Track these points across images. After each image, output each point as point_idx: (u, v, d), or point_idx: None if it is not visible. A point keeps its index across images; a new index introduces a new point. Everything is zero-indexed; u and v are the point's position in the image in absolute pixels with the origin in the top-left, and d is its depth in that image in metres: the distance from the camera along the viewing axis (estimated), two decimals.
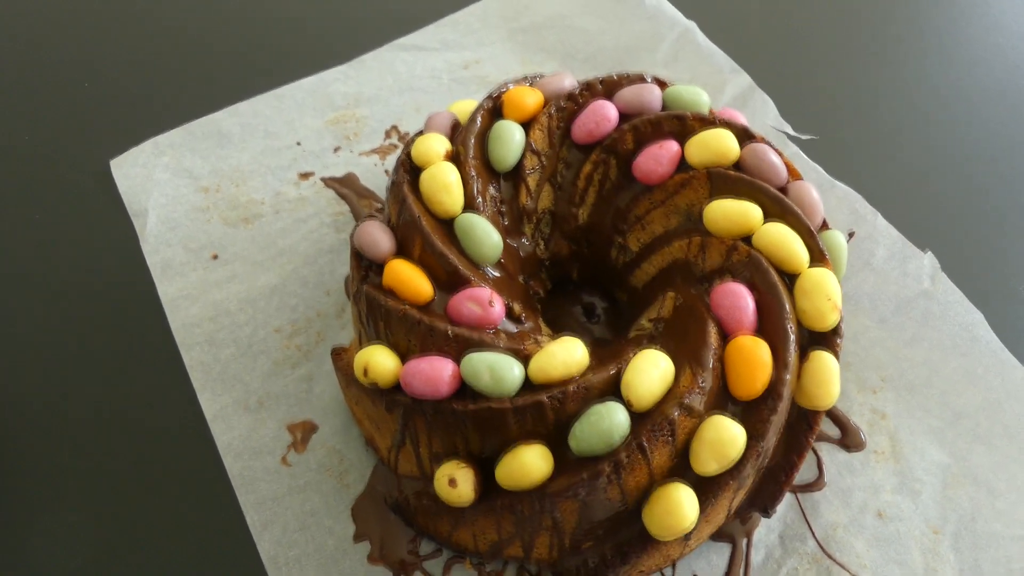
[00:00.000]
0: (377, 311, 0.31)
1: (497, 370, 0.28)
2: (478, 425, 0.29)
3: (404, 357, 0.31)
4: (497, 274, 0.34)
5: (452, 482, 0.29)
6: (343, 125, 0.47)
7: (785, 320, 0.30)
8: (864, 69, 0.47)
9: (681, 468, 0.29)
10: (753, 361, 0.29)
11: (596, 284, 0.39)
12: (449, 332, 0.30)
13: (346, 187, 0.44)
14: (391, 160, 0.45)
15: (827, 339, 0.31)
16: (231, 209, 0.44)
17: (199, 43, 0.51)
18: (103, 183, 0.45)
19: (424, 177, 0.33)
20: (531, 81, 0.37)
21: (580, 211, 0.37)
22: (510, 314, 0.33)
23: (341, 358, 0.35)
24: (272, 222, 0.43)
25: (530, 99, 0.36)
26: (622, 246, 0.37)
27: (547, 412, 0.28)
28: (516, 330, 0.33)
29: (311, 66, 0.49)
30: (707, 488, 0.29)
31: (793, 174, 0.35)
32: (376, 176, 0.45)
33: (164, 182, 0.44)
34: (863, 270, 0.40)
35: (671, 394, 0.29)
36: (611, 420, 0.28)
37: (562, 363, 0.29)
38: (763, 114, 0.44)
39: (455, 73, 0.49)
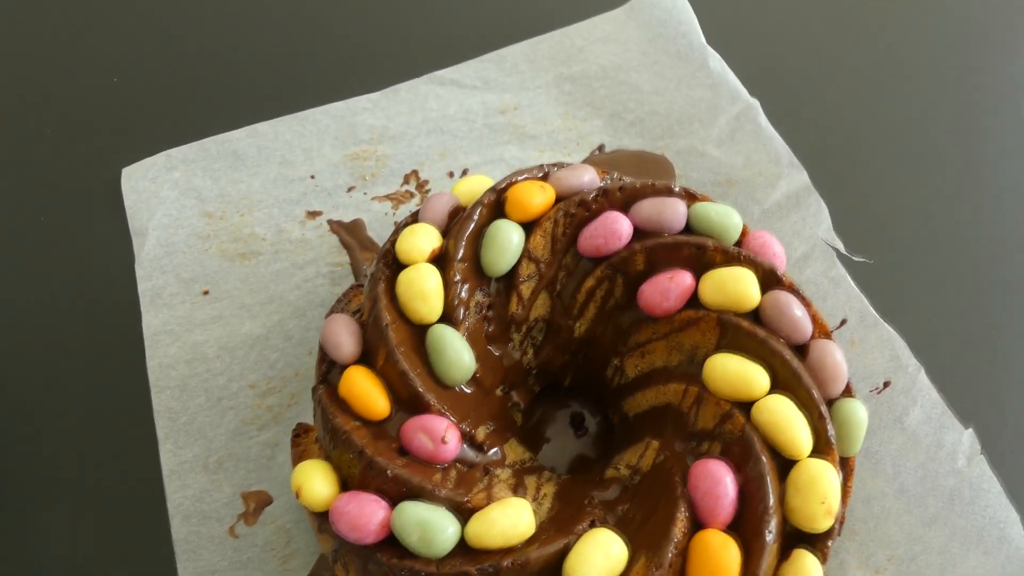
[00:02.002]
0: (326, 423, 0.29)
1: (428, 530, 0.26)
2: None
3: (345, 481, 0.28)
4: (468, 391, 0.31)
5: None
6: (362, 163, 0.44)
7: (766, 522, 0.26)
8: (940, 196, 0.41)
9: None
10: (717, 566, 0.26)
11: (589, 395, 0.36)
12: (389, 472, 0.27)
13: (351, 235, 0.42)
14: (404, 210, 0.43)
15: (816, 539, 0.28)
16: (231, 241, 0.42)
17: (238, 53, 0.49)
18: (114, 189, 0.44)
19: (401, 279, 0.30)
20: (546, 172, 0.34)
21: (578, 324, 0.33)
22: (471, 442, 0.30)
23: (299, 443, 0.33)
24: (269, 262, 0.41)
25: (537, 199, 0.32)
26: (619, 368, 0.33)
27: None
28: (476, 459, 0.30)
29: (344, 88, 0.46)
30: None
31: (820, 328, 0.31)
32: (385, 226, 0.42)
33: (170, 201, 0.43)
34: (892, 427, 0.35)
35: None
36: None
37: (500, 532, 0.26)
38: (815, 222, 0.39)
39: (490, 118, 0.45)
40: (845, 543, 0.34)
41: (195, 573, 0.34)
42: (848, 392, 0.31)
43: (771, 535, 0.26)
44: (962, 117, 0.44)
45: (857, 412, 0.30)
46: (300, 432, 0.34)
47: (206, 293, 0.40)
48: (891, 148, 0.43)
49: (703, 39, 0.45)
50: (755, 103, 0.43)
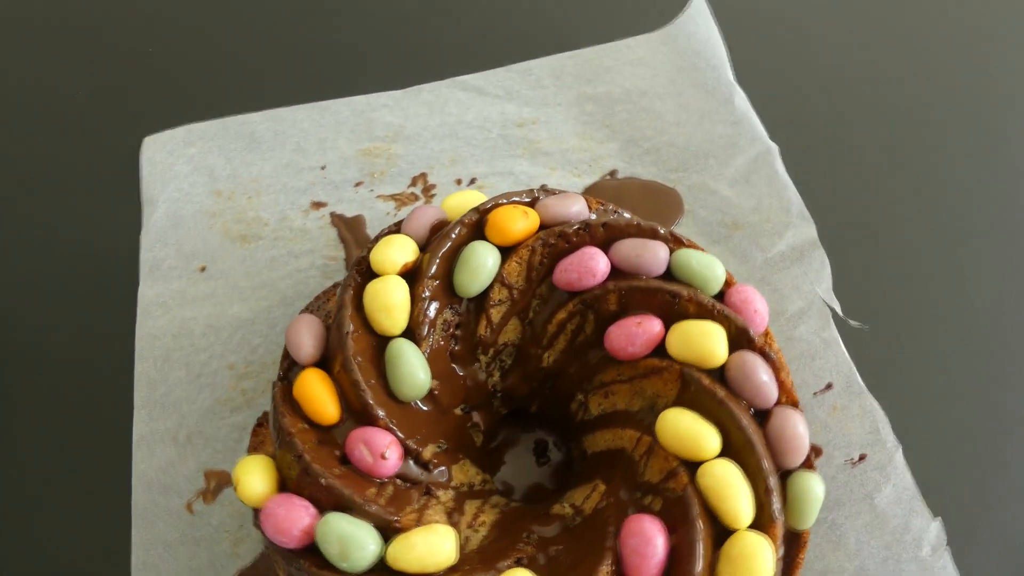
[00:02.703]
0: (275, 421, 0.30)
1: (348, 545, 0.26)
2: None
3: (284, 482, 0.29)
4: (424, 407, 0.31)
5: None
6: (373, 159, 0.44)
7: None
8: (948, 273, 0.39)
9: None
10: None
11: (555, 425, 0.36)
12: (323, 481, 0.27)
13: (350, 231, 0.42)
14: (406, 212, 0.43)
15: None
16: (235, 222, 0.43)
17: (270, 36, 0.49)
18: (135, 156, 0.45)
19: (369, 289, 0.31)
20: (535, 198, 0.33)
21: (547, 354, 0.33)
22: (417, 460, 0.30)
23: (259, 433, 0.34)
24: (267, 248, 0.42)
25: (519, 224, 0.32)
26: (583, 404, 0.33)
27: None
28: (420, 477, 0.30)
29: (367, 83, 0.47)
30: None
31: (787, 396, 0.30)
32: (385, 225, 0.42)
33: (183, 176, 0.44)
34: (861, 502, 0.34)
35: None
36: None
37: (418, 558, 0.26)
38: (816, 278, 0.38)
39: (506, 129, 0.45)
40: None
41: (148, 542, 0.35)
42: (808, 464, 0.30)
43: None
44: (982, 199, 0.42)
45: (813, 487, 0.29)
46: (263, 422, 0.34)
47: (203, 270, 0.41)
48: (905, 216, 0.41)
49: (732, 75, 0.44)
50: (774, 147, 0.41)
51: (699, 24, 0.45)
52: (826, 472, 0.35)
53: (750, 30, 0.47)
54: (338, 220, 0.42)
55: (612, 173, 0.43)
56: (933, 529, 0.33)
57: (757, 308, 0.32)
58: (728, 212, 0.41)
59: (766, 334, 0.34)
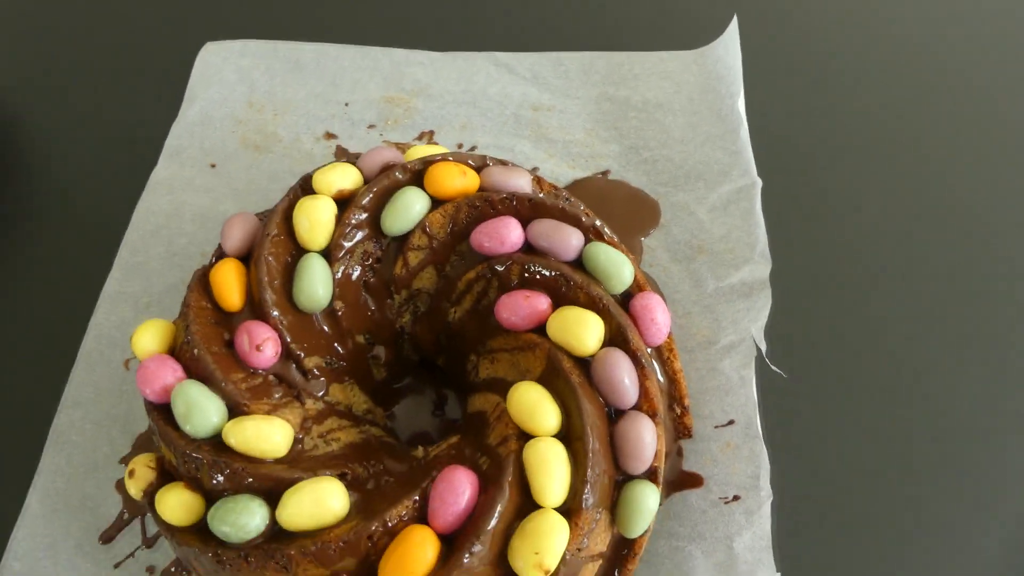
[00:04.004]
0: (186, 294, 0.33)
1: (192, 410, 0.29)
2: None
3: (174, 349, 0.32)
4: (323, 324, 0.33)
5: (131, 473, 0.30)
6: (393, 107, 0.47)
7: (471, 543, 0.27)
8: (876, 347, 0.38)
9: None
10: (406, 555, 0.26)
11: (456, 382, 0.37)
12: (196, 351, 0.30)
13: None
14: None
15: None
16: (255, 133, 0.46)
17: None
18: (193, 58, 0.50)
19: (301, 203, 0.33)
20: (482, 163, 0.35)
21: (454, 310, 0.35)
22: (298, 365, 0.32)
23: (188, 303, 0.36)
24: (273, 162, 0.45)
25: (455, 181, 0.33)
26: (475, 365, 0.34)
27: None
28: (296, 381, 0.32)
29: (414, 39, 0.49)
30: None
31: (648, 404, 0.30)
32: None
33: (228, 83, 0.48)
34: (721, 542, 0.33)
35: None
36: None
37: (244, 440, 0.28)
38: (755, 317, 0.37)
39: (521, 110, 0.46)
40: None
41: (82, 382, 0.39)
42: (652, 475, 0.30)
43: (469, 557, 0.26)
44: (943, 277, 0.40)
45: (646, 498, 0.29)
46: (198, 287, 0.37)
47: (213, 166, 0.45)
48: (859, 280, 0.40)
49: (742, 106, 0.43)
50: (758, 182, 0.41)
51: (729, 50, 0.45)
52: (699, 505, 0.34)
53: (764, 61, 0.48)
54: (341, 153, 0.45)
55: (604, 173, 0.44)
56: None
57: (656, 319, 0.32)
58: (698, 235, 0.41)
59: (670, 349, 0.34)
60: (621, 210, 0.42)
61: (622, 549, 0.31)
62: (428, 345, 0.36)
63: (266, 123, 0.47)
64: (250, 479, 0.28)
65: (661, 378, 0.34)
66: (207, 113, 0.47)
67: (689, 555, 0.34)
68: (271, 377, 0.32)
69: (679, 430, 0.35)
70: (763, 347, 0.36)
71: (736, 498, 0.34)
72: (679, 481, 0.35)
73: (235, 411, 0.30)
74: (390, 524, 0.27)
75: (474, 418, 0.33)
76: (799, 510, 0.34)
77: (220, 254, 0.34)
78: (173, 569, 0.35)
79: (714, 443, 0.35)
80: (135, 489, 0.30)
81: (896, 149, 0.45)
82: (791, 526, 0.34)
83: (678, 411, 0.35)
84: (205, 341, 0.31)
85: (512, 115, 0.46)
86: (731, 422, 0.36)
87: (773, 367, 0.37)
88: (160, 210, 0.44)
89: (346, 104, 0.47)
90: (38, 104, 0.49)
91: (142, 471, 0.30)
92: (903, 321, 0.39)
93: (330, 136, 0.46)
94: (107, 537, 0.36)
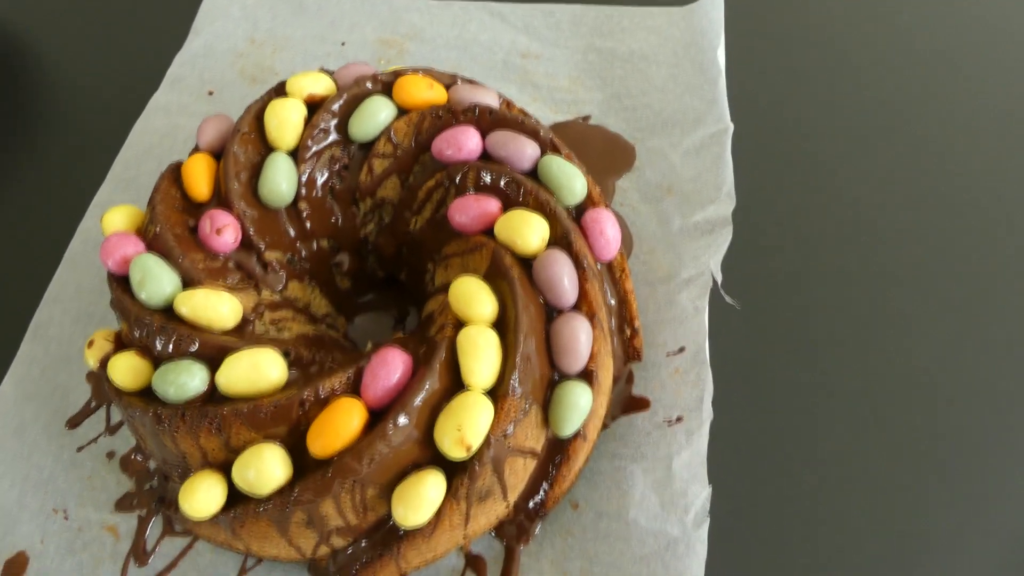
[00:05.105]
0: (157, 181, 0.34)
1: (148, 278, 0.30)
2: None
3: (142, 230, 0.33)
4: (287, 222, 0.35)
5: (90, 343, 0.32)
6: (387, 49, 0.48)
7: (396, 413, 0.27)
8: (830, 278, 0.39)
9: None
10: (331, 421, 0.27)
11: (418, 299, 0.38)
12: (157, 228, 0.32)
13: None
14: None
15: (455, 470, 0.28)
16: (254, 66, 0.48)
17: None
18: None
19: (273, 104, 0.35)
20: (452, 80, 0.36)
21: (414, 219, 0.36)
22: (259, 257, 0.34)
23: (157, 188, 0.37)
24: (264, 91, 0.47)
25: (423, 93, 0.35)
26: (431, 275, 0.35)
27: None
28: (255, 272, 0.33)
29: None
30: None
31: (587, 307, 0.31)
32: None
33: (233, 18, 0.50)
34: (662, 461, 0.33)
35: None
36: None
37: (193, 308, 0.30)
38: (714, 251, 0.38)
39: (510, 57, 0.48)
40: (555, 537, 0.33)
41: (65, 281, 0.40)
42: (587, 378, 0.31)
43: (393, 429, 0.27)
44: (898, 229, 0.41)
45: (579, 397, 0.30)
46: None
47: (211, 94, 0.47)
48: (819, 219, 0.41)
49: (723, 58, 0.44)
50: (730, 127, 0.41)
51: (715, 5, 0.46)
52: (643, 427, 0.35)
53: (746, 12, 0.49)
54: None
55: (585, 118, 0.45)
56: (702, 497, 0.32)
57: (604, 231, 0.33)
58: (669, 176, 0.41)
59: (622, 270, 0.35)
60: (598, 153, 0.43)
61: (555, 454, 0.32)
62: (391, 257, 0.37)
63: (265, 57, 0.49)
64: (195, 346, 0.29)
65: (612, 299, 0.35)
66: (210, 46, 0.49)
67: (630, 474, 0.34)
68: (230, 264, 0.33)
69: (629, 353, 0.36)
70: (719, 279, 0.37)
71: (679, 419, 0.34)
72: (626, 405, 0.35)
73: (189, 287, 0.31)
74: (322, 395, 0.28)
75: (424, 320, 0.34)
76: (736, 431, 0.35)
77: (195, 150, 0.36)
78: (134, 456, 0.36)
79: (664, 369, 0.36)
80: (92, 359, 0.32)
81: (864, 99, 0.46)
82: (727, 445, 0.34)
83: (628, 333, 0.35)
84: (168, 221, 0.32)
85: (501, 60, 0.47)
86: (682, 349, 0.36)
87: (727, 298, 0.37)
88: (155, 131, 0.45)
89: (343, 44, 0.49)
90: (52, 27, 0.52)
91: (100, 343, 0.32)
92: (860, 260, 0.40)
93: (325, 72, 0.48)
94: (73, 423, 0.37)
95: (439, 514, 0.28)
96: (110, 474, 0.36)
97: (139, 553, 0.34)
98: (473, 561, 0.33)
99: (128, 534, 0.34)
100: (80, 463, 0.36)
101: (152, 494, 0.35)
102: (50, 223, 0.43)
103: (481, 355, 0.28)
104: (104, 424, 0.37)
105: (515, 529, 0.33)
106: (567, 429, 0.30)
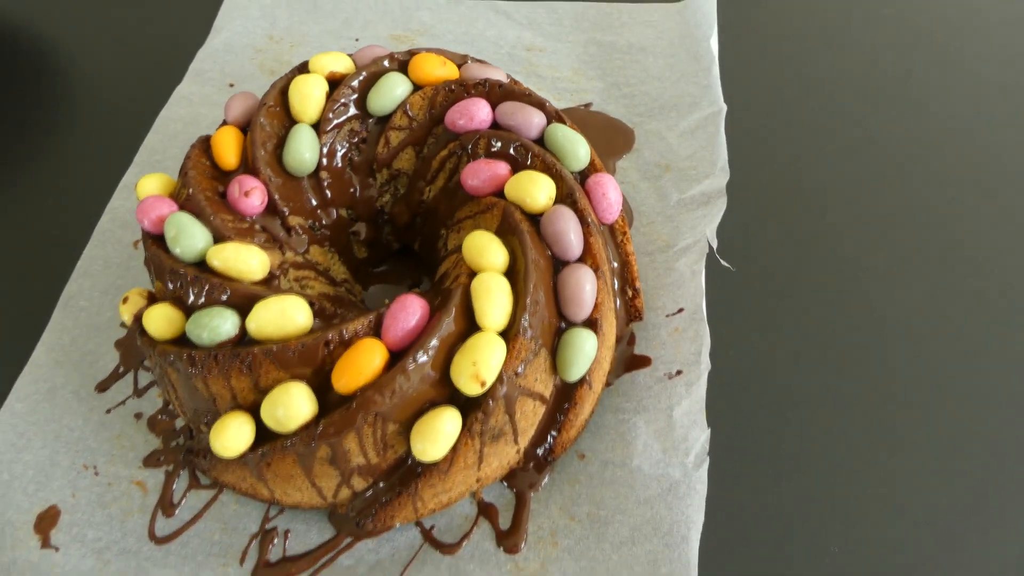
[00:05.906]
0: (188, 151, 0.36)
1: (182, 233, 0.32)
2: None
3: (174, 195, 0.36)
4: (308, 190, 0.37)
5: (125, 299, 0.34)
6: (399, 44, 0.51)
7: (416, 351, 0.29)
8: (822, 245, 0.42)
9: None
10: (355, 359, 0.29)
11: (431, 269, 0.40)
12: (190, 190, 0.34)
13: None
14: None
15: (470, 405, 0.30)
16: (274, 60, 0.51)
17: None
18: None
19: (297, 80, 0.37)
20: (464, 60, 0.39)
21: (428, 189, 0.38)
22: (284, 222, 0.36)
23: (188, 156, 0.39)
24: None
25: (436, 71, 0.37)
26: (445, 241, 0.37)
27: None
28: (279, 235, 0.36)
29: None
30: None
31: (592, 259, 0.33)
32: None
33: (252, 17, 0.53)
34: (663, 412, 0.35)
35: None
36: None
37: (224, 260, 0.32)
38: (710, 220, 0.40)
39: (515, 51, 0.50)
40: (564, 485, 0.35)
41: (93, 257, 0.42)
42: (592, 326, 0.33)
43: (413, 365, 0.29)
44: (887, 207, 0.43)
45: (584, 342, 0.32)
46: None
47: (231, 85, 0.50)
48: (810, 190, 0.44)
49: (716, 45, 0.47)
50: (724, 108, 0.44)
51: (708, 1, 0.49)
52: (645, 382, 0.37)
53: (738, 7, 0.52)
54: None
55: (587, 105, 0.47)
56: (703, 439, 0.34)
57: (607, 194, 0.35)
58: (666, 155, 0.44)
59: (624, 232, 0.37)
60: (599, 136, 0.46)
61: (563, 401, 0.33)
62: (405, 226, 0.39)
63: (283, 52, 0.51)
64: (226, 295, 0.31)
65: (615, 261, 0.37)
66: (230, 43, 0.52)
67: (633, 425, 0.36)
68: (257, 227, 0.35)
69: (631, 313, 0.38)
70: (714, 244, 0.39)
71: (679, 373, 0.36)
72: (629, 363, 0.37)
73: (219, 243, 0.33)
74: (346, 336, 0.30)
75: (438, 281, 0.36)
76: (733, 378, 0.37)
77: (223, 124, 0.38)
78: (160, 416, 0.38)
79: (663, 330, 0.38)
80: (127, 313, 0.34)
81: (849, 79, 0.49)
82: (725, 392, 0.36)
83: (630, 294, 0.37)
84: (199, 185, 0.34)
85: (506, 54, 0.50)
86: (680, 310, 0.38)
87: (722, 261, 0.39)
88: (179, 118, 0.48)
89: (356, 39, 0.52)
90: (87, 26, 0.55)
91: (135, 299, 0.34)
92: (845, 223, 0.43)
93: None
94: (102, 387, 0.39)
95: (455, 450, 0.30)
96: (138, 434, 0.38)
97: (166, 505, 0.35)
98: (485, 508, 0.34)
99: (156, 488, 0.36)
100: (109, 424, 0.38)
101: (178, 451, 0.36)
102: (81, 203, 0.45)
103: (494, 299, 0.30)
104: (132, 388, 0.39)
105: (525, 477, 0.34)
106: (574, 374, 0.32)
